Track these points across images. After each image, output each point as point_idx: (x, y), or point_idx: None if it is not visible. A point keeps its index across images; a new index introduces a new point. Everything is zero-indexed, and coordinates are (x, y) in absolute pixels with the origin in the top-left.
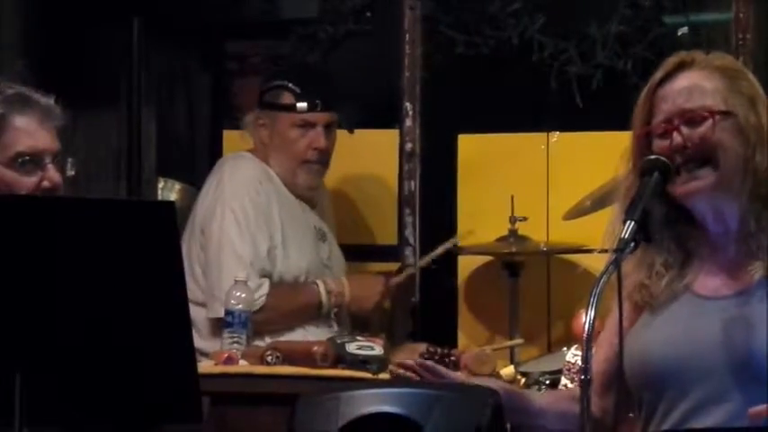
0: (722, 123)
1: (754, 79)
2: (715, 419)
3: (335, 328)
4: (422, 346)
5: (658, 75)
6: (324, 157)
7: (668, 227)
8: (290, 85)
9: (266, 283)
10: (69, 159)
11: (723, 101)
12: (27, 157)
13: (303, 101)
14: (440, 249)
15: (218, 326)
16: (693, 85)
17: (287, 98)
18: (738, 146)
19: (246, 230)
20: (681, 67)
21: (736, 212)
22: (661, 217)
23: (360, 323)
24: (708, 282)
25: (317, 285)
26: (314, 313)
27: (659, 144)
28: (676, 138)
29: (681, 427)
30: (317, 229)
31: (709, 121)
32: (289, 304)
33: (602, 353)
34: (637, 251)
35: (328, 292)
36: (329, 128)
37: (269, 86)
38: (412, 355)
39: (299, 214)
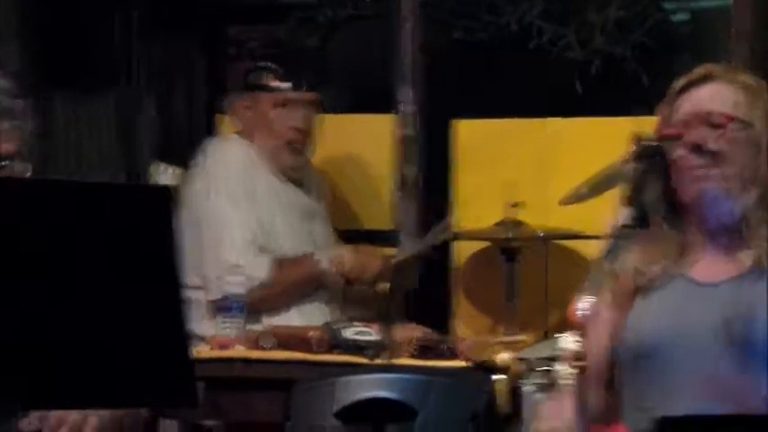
0: (739, 132)
1: None
2: (701, 398)
3: (332, 303)
4: (418, 330)
5: (680, 82)
6: (305, 137)
7: (667, 214)
8: (273, 65)
9: (267, 258)
10: (20, 164)
11: (742, 112)
12: None
13: (285, 80)
14: (434, 237)
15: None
16: (716, 93)
17: (269, 78)
18: (750, 156)
19: (239, 210)
20: (705, 78)
21: (736, 211)
22: (660, 204)
23: (357, 308)
24: (703, 269)
25: (317, 256)
26: (317, 284)
27: (677, 153)
28: (692, 135)
29: (664, 404)
30: (305, 207)
31: (727, 128)
32: (291, 277)
33: (600, 341)
34: (634, 236)
35: (329, 261)
36: (311, 108)
37: (252, 68)
38: (410, 334)
39: (285, 193)
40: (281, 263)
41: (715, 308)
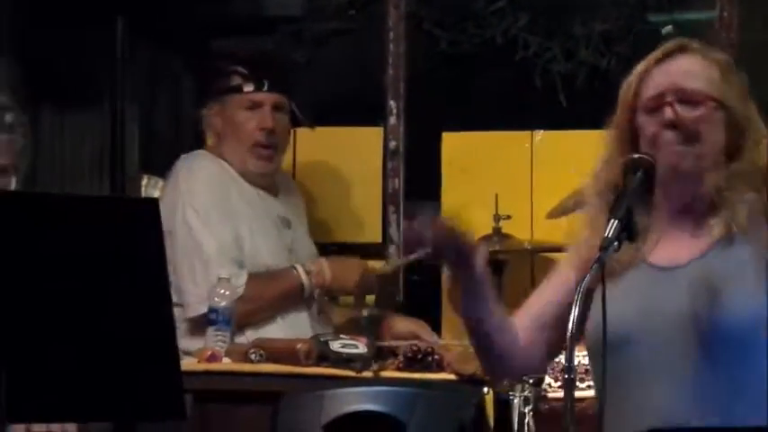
0: (714, 111)
1: (744, 76)
2: (670, 388)
3: (315, 315)
4: (412, 323)
5: (656, 54)
6: (273, 139)
7: (627, 194)
8: (238, 68)
9: (243, 273)
10: (13, 177)
11: (717, 90)
12: None
13: (250, 82)
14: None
15: (196, 325)
16: (692, 69)
17: (234, 81)
18: (723, 134)
19: (209, 225)
20: (680, 50)
21: (707, 189)
22: (621, 184)
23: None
24: (663, 252)
25: (296, 269)
26: (297, 298)
27: (645, 120)
28: (668, 113)
29: (634, 395)
30: (280, 217)
31: (703, 107)
32: (270, 292)
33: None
34: (592, 216)
35: (308, 273)
36: (278, 109)
37: (218, 74)
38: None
39: (258, 203)
40: (260, 277)
41: (680, 293)
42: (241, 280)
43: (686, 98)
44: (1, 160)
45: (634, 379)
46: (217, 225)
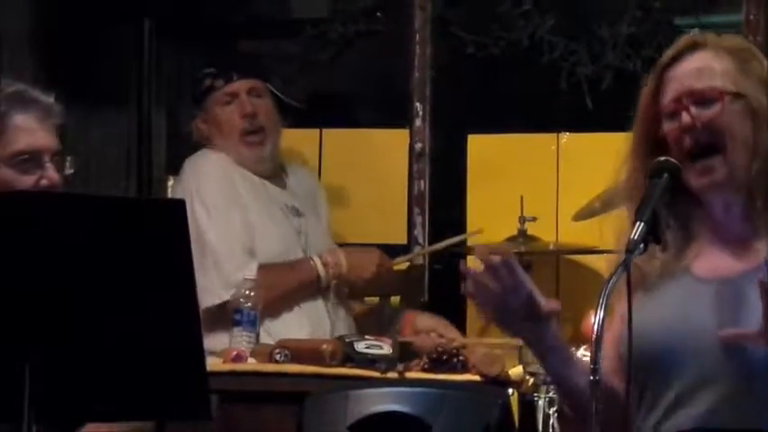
0: (732, 105)
1: (764, 59)
2: (705, 402)
3: (333, 306)
4: (434, 321)
5: (668, 54)
6: (257, 123)
7: (669, 205)
8: (207, 70)
9: (254, 262)
10: (68, 158)
11: (733, 82)
12: (26, 156)
13: (219, 78)
14: (447, 242)
15: (207, 318)
16: (703, 66)
17: (207, 82)
18: (747, 128)
19: (217, 217)
20: (691, 48)
21: (743, 196)
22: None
23: (370, 325)
24: (707, 264)
25: (313, 260)
26: (313, 289)
27: (668, 126)
28: (685, 117)
29: (672, 411)
30: (288, 205)
31: (719, 103)
32: (286, 282)
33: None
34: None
35: (324, 264)
36: (255, 95)
37: (194, 84)
38: (423, 343)
39: (264, 193)
40: (276, 267)
41: (712, 308)
42: (252, 267)
43: (700, 98)
44: (58, 144)
45: (667, 389)
46: (226, 217)
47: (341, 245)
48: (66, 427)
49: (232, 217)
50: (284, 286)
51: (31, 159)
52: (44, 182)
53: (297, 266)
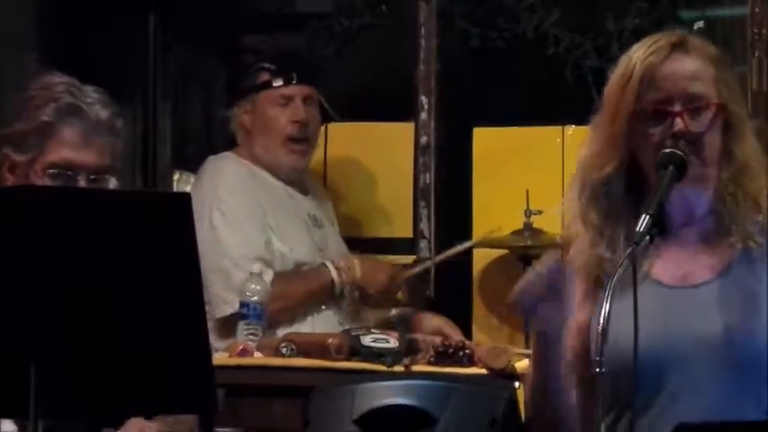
0: (716, 117)
1: (735, 72)
2: (692, 409)
3: (346, 312)
4: (439, 320)
5: (655, 50)
6: (305, 132)
7: (629, 202)
8: (265, 64)
9: (269, 272)
10: (112, 179)
11: (717, 92)
12: (58, 170)
13: (278, 76)
14: (456, 249)
15: (224, 326)
16: (696, 70)
17: (263, 77)
18: (721, 137)
19: (235, 226)
20: (677, 48)
21: (709, 196)
22: (622, 191)
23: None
24: (669, 268)
25: (326, 265)
26: (327, 295)
27: (650, 126)
28: (679, 124)
29: (659, 420)
30: (310, 215)
31: (708, 112)
32: (299, 289)
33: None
34: (593, 224)
35: (338, 269)
36: (308, 102)
37: (246, 72)
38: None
39: (287, 201)
40: (289, 276)
41: (706, 313)
42: (267, 278)
43: (693, 105)
44: (104, 162)
45: (656, 399)
46: (243, 226)
47: (346, 239)
48: (93, 424)
49: (250, 228)
50: (299, 295)
51: (62, 174)
52: None
53: (311, 273)
